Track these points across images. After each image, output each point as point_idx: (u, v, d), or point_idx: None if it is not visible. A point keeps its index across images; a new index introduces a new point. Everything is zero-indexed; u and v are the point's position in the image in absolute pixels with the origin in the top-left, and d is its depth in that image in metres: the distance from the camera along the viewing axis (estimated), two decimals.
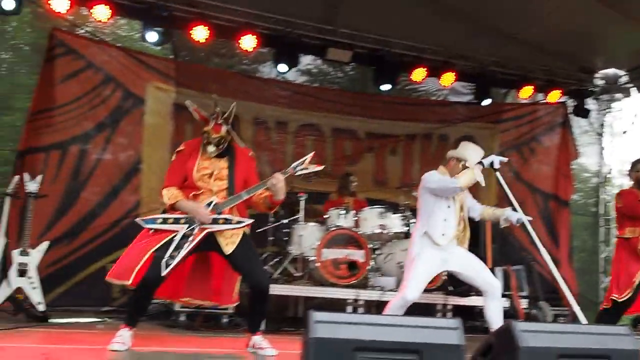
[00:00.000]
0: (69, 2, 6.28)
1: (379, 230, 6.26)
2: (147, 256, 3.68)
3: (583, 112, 8.60)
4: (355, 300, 5.87)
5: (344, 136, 8.45)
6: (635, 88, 8.36)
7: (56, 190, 6.62)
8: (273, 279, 6.09)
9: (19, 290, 5.32)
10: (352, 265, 6.01)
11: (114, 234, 6.83)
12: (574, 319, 4.02)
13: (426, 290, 5.11)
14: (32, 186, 5.57)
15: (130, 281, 3.67)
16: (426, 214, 4.37)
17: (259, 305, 3.97)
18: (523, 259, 6.97)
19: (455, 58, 7.82)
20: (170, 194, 3.90)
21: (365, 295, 5.91)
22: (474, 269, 4.38)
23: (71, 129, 6.91)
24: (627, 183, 5.64)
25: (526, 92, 8.30)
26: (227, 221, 3.86)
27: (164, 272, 3.64)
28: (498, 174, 4.37)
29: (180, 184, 3.96)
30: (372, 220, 6.32)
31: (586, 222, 9.20)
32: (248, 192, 3.89)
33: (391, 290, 5.76)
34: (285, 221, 6.58)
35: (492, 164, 4.33)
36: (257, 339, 3.96)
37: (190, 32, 6.76)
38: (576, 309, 3.99)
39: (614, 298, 5.26)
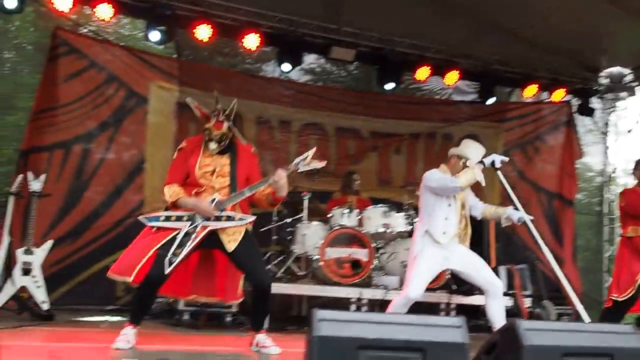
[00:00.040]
0: (72, 1, 6.26)
1: (382, 229, 6.25)
2: (150, 254, 3.68)
3: (587, 111, 8.56)
4: (359, 299, 5.86)
5: (347, 135, 8.43)
6: None
7: (60, 190, 6.63)
8: (277, 278, 6.08)
9: (23, 289, 5.33)
10: (356, 264, 6.00)
11: (118, 233, 6.83)
12: (578, 318, 4.02)
13: (430, 289, 5.12)
14: (35, 185, 5.58)
15: (131, 278, 3.67)
16: (427, 212, 4.38)
17: (261, 303, 3.97)
18: (527, 258, 6.95)
19: (459, 57, 7.80)
20: (171, 192, 3.90)
21: (369, 294, 5.90)
22: (475, 267, 4.38)
23: (74, 129, 6.92)
24: (632, 182, 5.63)
25: (530, 91, 8.27)
26: (229, 218, 3.85)
27: (167, 270, 3.64)
28: (499, 173, 4.37)
29: (182, 181, 3.96)
30: (376, 219, 6.31)
31: (590, 222, 9.17)
32: (250, 189, 3.88)
33: (395, 289, 5.76)
34: (288, 220, 6.57)
35: (493, 163, 4.34)
36: (261, 338, 3.96)
37: (194, 31, 6.76)
38: (579, 307, 3.98)
39: (613, 298, 5.25)
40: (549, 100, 8.64)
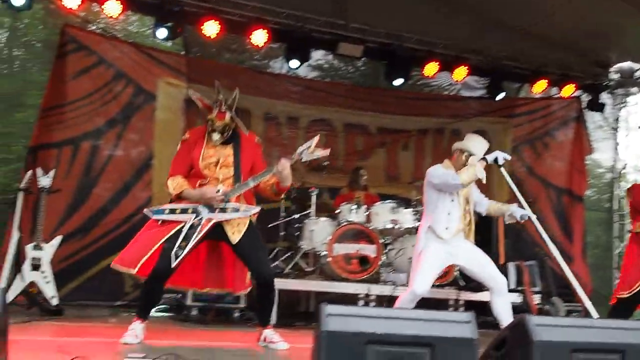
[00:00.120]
0: None
1: (390, 225, 6.25)
2: (155, 247, 3.68)
3: (598, 107, 8.50)
4: (367, 295, 5.86)
5: (355, 131, 8.42)
6: None
7: (68, 186, 6.65)
8: (284, 274, 6.09)
9: (32, 284, 5.37)
10: (364, 260, 5.99)
11: (126, 229, 6.81)
12: (587, 315, 3.99)
13: (438, 286, 5.11)
14: (44, 181, 5.61)
15: (135, 270, 3.67)
16: (430, 208, 4.38)
17: (266, 297, 3.97)
18: (536, 255, 6.91)
19: (467, 52, 7.76)
20: (175, 184, 3.89)
21: (377, 290, 5.90)
22: (479, 263, 4.36)
23: (83, 125, 6.94)
24: None
25: (540, 87, 8.22)
26: (235, 210, 3.84)
27: (174, 264, 3.64)
28: (503, 170, 4.36)
29: (185, 173, 3.94)
30: (384, 215, 6.30)
31: (600, 218, 9.12)
32: (254, 179, 3.86)
33: (403, 285, 5.74)
34: (296, 216, 6.57)
35: (496, 160, 4.33)
36: (269, 333, 3.96)
37: (201, 27, 6.77)
38: (588, 304, 3.96)
39: (619, 296, 5.19)
40: (558, 95, 8.58)
